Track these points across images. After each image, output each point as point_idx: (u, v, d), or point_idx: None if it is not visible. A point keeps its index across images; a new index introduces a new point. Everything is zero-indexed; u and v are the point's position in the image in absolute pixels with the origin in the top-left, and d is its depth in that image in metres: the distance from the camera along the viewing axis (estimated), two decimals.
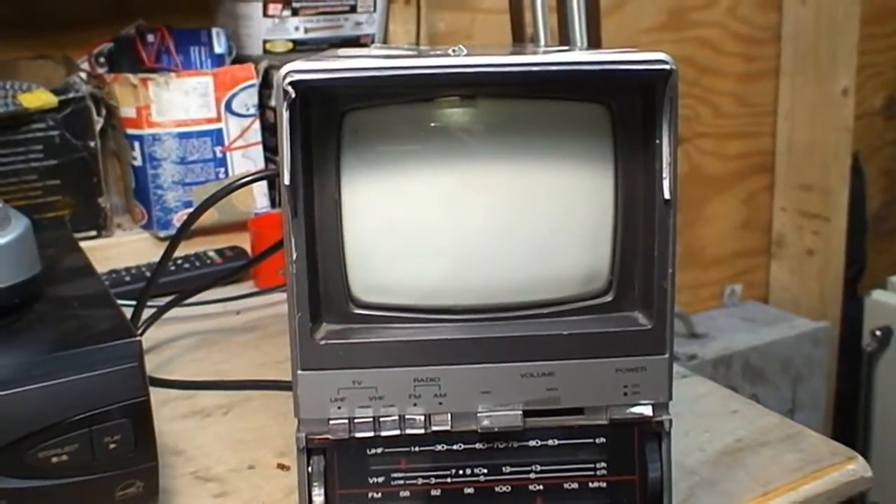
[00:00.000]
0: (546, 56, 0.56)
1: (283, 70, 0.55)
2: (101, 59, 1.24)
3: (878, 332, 1.96)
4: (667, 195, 0.58)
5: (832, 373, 2.11)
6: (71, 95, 1.16)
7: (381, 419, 0.61)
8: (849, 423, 2.08)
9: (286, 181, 0.55)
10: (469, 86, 0.58)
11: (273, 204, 1.28)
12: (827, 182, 2.04)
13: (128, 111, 1.20)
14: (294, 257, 0.58)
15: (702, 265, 2.09)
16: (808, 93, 2.02)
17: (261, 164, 1.27)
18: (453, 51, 0.62)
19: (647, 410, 0.62)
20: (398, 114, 0.59)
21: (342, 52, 0.80)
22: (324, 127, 0.58)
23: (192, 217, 0.87)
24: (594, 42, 1.39)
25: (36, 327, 0.68)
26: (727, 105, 2.02)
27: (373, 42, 1.35)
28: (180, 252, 1.16)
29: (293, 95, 0.54)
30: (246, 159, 1.26)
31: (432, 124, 0.60)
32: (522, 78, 0.56)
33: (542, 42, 1.39)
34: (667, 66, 0.56)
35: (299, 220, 0.57)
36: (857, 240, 2.14)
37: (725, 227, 2.11)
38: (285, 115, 0.55)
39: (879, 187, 2.26)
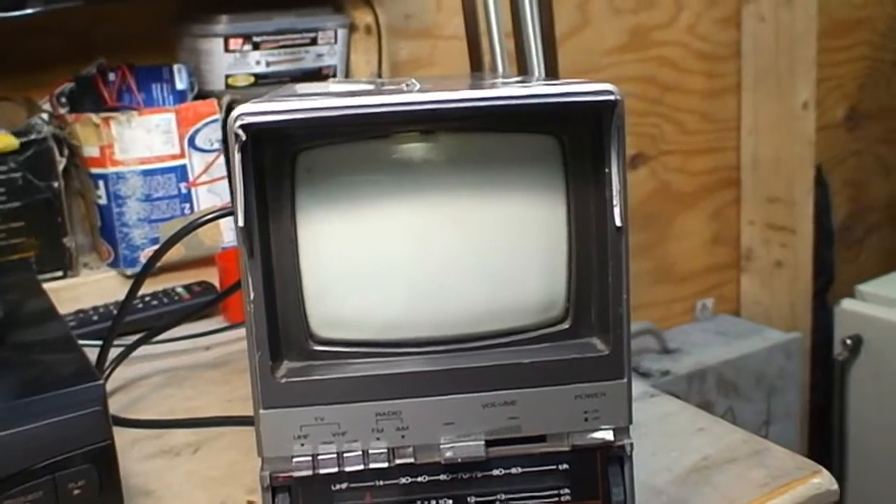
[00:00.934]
0: (494, 91, 0.57)
1: (234, 113, 0.55)
2: (63, 100, 1.24)
3: (848, 341, 1.98)
4: (618, 222, 0.59)
5: (805, 383, 2.12)
6: (33, 137, 1.16)
7: (345, 454, 0.61)
8: (824, 433, 2.09)
9: (241, 223, 0.56)
10: (420, 122, 0.59)
11: None
12: (792, 194, 2.06)
13: (91, 150, 1.20)
14: (252, 297, 0.58)
15: (673, 281, 2.11)
16: (771, 107, 2.05)
17: (227, 199, 1.28)
18: (406, 85, 0.63)
19: (608, 435, 0.63)
20: (350, 151, 0.60)
21: (300, 87, 0.80)
22: (277, 167, 0.58)
23: (157, 255, 0.87)
24: (551, 66, 1.40)
25: None
26: (691, 122, 2.04)
27: (335, 74, 1.36)
28: (148, 289, 1.17)
29: (244, 138, 0.55)
30: (212, 194, 1.26)
31: (385, 160, 0.60)
32: (470, 113, 0.57)
33: (500, 68, 1.40)
34: (612, 97, 0.57)
35: (256, 261, 0.58)
36: (824, 250, 2.17)
37: (695, 242, 2.13)
38: (237, 157, 0.55)
39: (844, 198, 2.29)
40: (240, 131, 0.55)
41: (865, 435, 2.00)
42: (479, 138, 0.62)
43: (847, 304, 2.02)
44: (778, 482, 0.76)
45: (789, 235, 2.08)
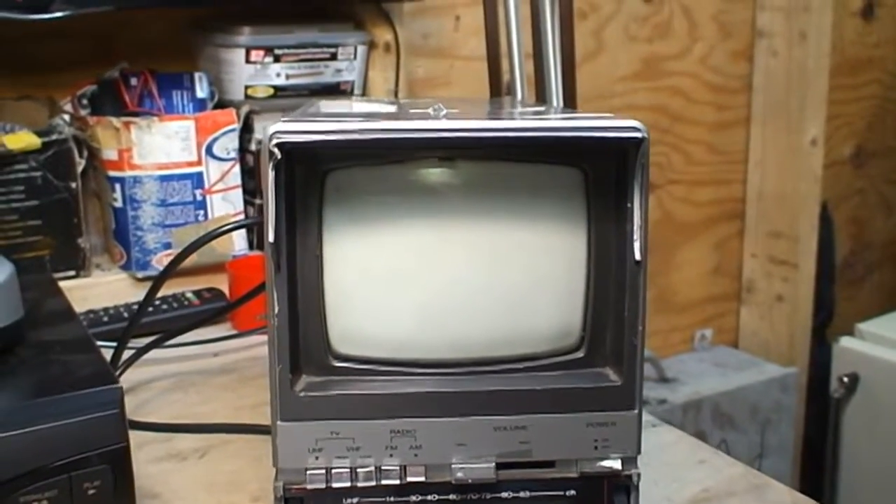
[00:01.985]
0: (522, 121, 0.59)
1: (270, 131, 0.57)
2: (84, 101, 1.25)
3: (845, 379, 1.98)
4: (637, 256, 0.60)
5: (800, 418, 2.13)
6: (54, 137, 1.18)
7: (358, 470, 0.62)
8: (817, 469, 2.10)
9: (270, 238, 0.57)
10: (449, 148, 0.60)
11: (251, 246, 1.30)
12: (796, 230, 2.08)
13: (110, 153, 1.21)
14: (276, 311, 0.59)
15: (673, 310, 2.12)
16: (779, 142, 2.06)
17: (240, 208, 1.29)
18: (433, 110, 0.64)
19: (616, 464, 0.64)
20: (380, 173, 0.61)
21: (324, 105, 0.82)
22: (307, 185, 0.60)
23: (175, 262, 0.88)
24: (570, 91, 1.41)
25: (19, 372, 0.69)
26: (699, 153, 2.06)
27: (352, 89, 1.38)
28: (158, 293, 1.17)
29: (279, 156, 0.56)
30: (225, 202, 1.27)
31: (412, 184, 0.62)
32: (500, 142, 0.58)
33: (519, 90, 1.42)
34: (639, 135, 0.58)
35: (282, 275, 0.59)
36: (825, 287, 2.18)
37: (696, 272, 2.14)
38: (271, 174, 0.56)
39: (847, 235, 2.30)
40: (275, 149, 0.56)
41: (858, 473, 2.01)
42: (502, 167, 0.63)
43: (846, 341, 2.02)
44: None
45: (791, 270, 2.09)
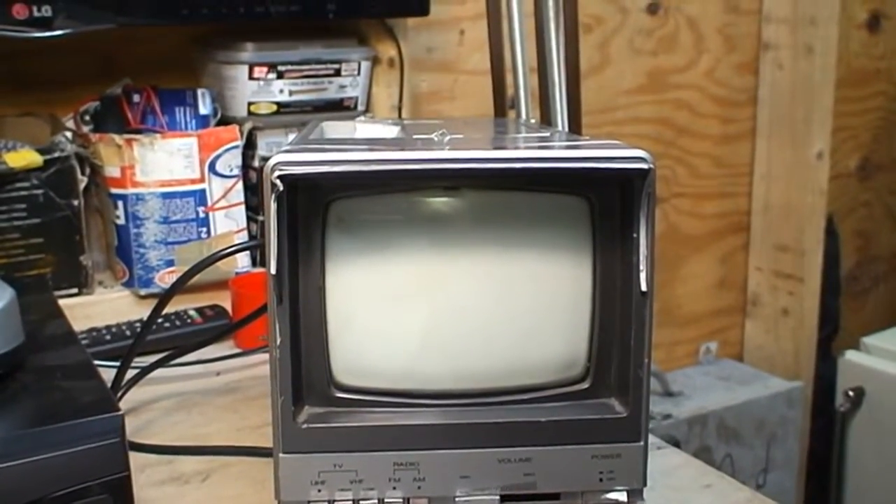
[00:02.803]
0: (527, 152, 0.58)
1: (271, 162, 0.56)
2: (87, 118, 1.25)
3: (851, 393, 1.98)
4: (643, 287, 0.60)
5: (805, 433, 2.12)
6: (56, 155, 1.17)
7: (361, 502, 0.61)
8: (822, 483, 2.09)
9: (273, 270, 0.57)
10: (452, 178, 0.60)
11: (254, 263, 1.29)
12: (801, 243, 2.07)
13: (112, 171, 1.21)
14: (278, 342, 0.59)
15: (678, 323, 2.11)
16: (784, 155, 2.06)
17: (243, 225, 1.29)
18: (437, 137, 0.63)
19: (621, 496, 0.63)
20: (383, 202, 0.61)
21: (328, 126, 0.81)
22: (310, 215, 0.59)
23: (177, 284, 0.88)
24: (574, 104, 1.41)
25: (19, 398, 0.68)
26: (704, 166, 2.05)
27: (356, 105, 1.37)
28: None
29: (281, 188, 0.56)
30: (228, 219, 1.27)
31: (416, 213, 0.61)
32: (504, 173, 0.58)
33: (523, 104, 1.41)
34: (645, 165, 0.57)
35: (284, 307, 0.58)
36: (831, 300, 2.17)
37: (701, 285, 2.13)
38: (273, 206, 0.56)
39: (853, 248, 2.29)
40: (277, 181, 0.55)
41: (863, 487, 2.00)
42: (507, 196, 0.63)
43: (851, 355, 2.02)
44: None
45: (797, 284, 2.08)
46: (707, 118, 2.03)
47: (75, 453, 0.62)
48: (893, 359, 1.96)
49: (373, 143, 0.61)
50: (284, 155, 0.57)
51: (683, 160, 2.01)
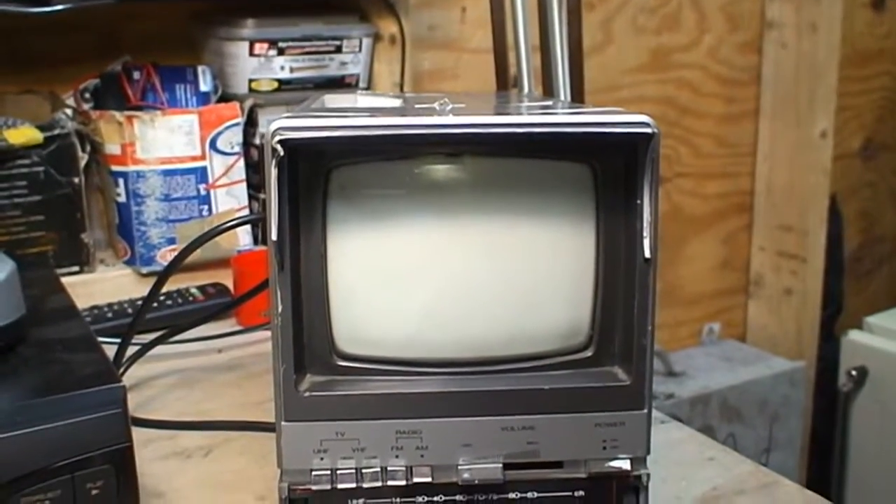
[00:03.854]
0: (530, 117, 0.58)
1: (272, 127, 0.56)
2: (87, 95, 1.24)
3: (853, 373, 1.97)
4: (647, 254, 0.59)
5: (808, 412, 2.12)
6: (56, 132, 1.17)
7: (364, 470, 0.61)
8: (824, 463, 2.09)
9: (274, 236, 0.56)
10: (455, 144, 0.59)
11: (256, 241, 1.29)
12: (805, 223, 2.06)
13: (113, 148, 1.20)
14: (280, 310, 0.58)
15: (681, 303, 2.11)
16: (788, 134, 2.05)
17: (244, 202, 1.28)
18: (439, 105, 0.63)
19: (625, 464, 0.63)
20: (384, 169, 0.60)
21: (328, 99, 0.81)
22: (311, 182, 0.59)
23: (178, 259, 0.87)
24: (577, 83, 1.40)
25: (20, 371, 0.68)
26: (707, 145, 2.05)
27: (357, 83, 1.37)
28: (162, 289, 1.17)
29: (282, 153, 0.55)
30: (230, 197, 1.27)
31: (418, 180, 0.61)
32: (507, 139, 0.57)
33: (526, 83, 1.41)
34: (649, 130, 0.57)
35: (285, 274, 0.58)
36: (834, 280, 2.16)
37: (704, 266, 2.13)
38: (273, 172, 0.55)
39: (857, 228, 2.29)
40: (278, 146, 0.55)
41: (866, 467, 2.00)
42: (509, 163, 0.62)
43: (854, 335, 2.01)
44: None
45: (800, 264, 2.08)
46: (710, 97, 2.02)
47: (77, 423, 0.62)
48: None
49: (374, 112, 0.61)
50: (285, 120, 0.56)
51: (686, 140, 2.01)
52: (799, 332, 2.11)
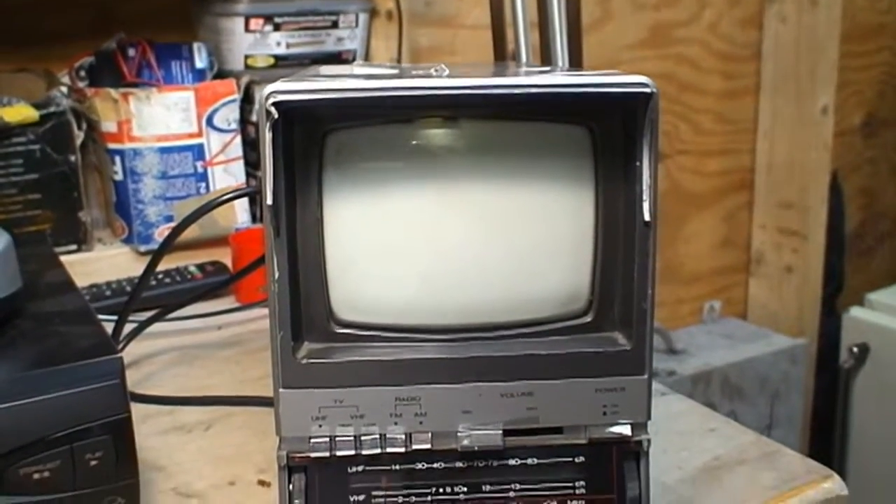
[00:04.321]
0: (528, 78, 0.57)
1: (266, 90, 0.55)
2: (82, 73, 1.23)
3: (855, 350, 1.97)
4: (647, 217, 0.59)
5: (809, 389, 2.12)
6: (52, 110, 1.16)
7: (362, 437, 0.61)
8: (825, 440, 2.09)
9: (269, 201, 0.56)
10: (452, 107, 0.58)
11: (254, 219, 1.29)
12: (806, 200, 2.06)
13: (109, 126, 1.20)
14: (276, 276, 0.58)
15: (681, 281, 2.11)
16: (788, 111, 2.04)
17: (242, 180, 1.28)
18: (435, 70, 0.62)
19: (625, 430, 0.62)
20: (380, 134, 0.60)
21: (324, 69, 0.80)
22: (307, 147, 0.58)
23: (175, 233, 0.87)
24: (576, 59, 1.40)
25: (17, 343, 0.68)
26: (707, 122, 2.04)
27: (354, 58, 1.36)
28: (160, 267, 1.15)
29: (276, 116, 0.55)
30: (227, 174, 1.26)
31: (414, 144, 0.60)
32: (504, 100, 0.57)
33: (524, 59, 1.40)
34: (648, 90, 0.56)
35: (281, 240, 0.57)
36: (835, 257, 2.16)
37: (705, 243, 2.12)
38: (268, 135, 0.55)
39: (858, 205, 2.28)
40: (272, 109, 0.54)
41: (867, 444, 2.00)
42: (506, 126, 0.61)
43: (855, 312, 2.01)
44: (788, 486, 0.76)
45: (801, 241, 2.08)
46: (710, 74, 2.01)
47: (75, 394, 0.61)
48: None
49: (371, 77, 0.60)
50: (280, 84, 0.56)
51: (686, 116, 2.00)
52: (800, 309, 2.11)
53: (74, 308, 0.75)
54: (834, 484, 0.76)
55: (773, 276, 2.15)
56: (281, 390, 0.60)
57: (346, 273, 0.61)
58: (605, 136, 0.60)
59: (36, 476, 0.60)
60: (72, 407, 0.61)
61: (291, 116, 0.56)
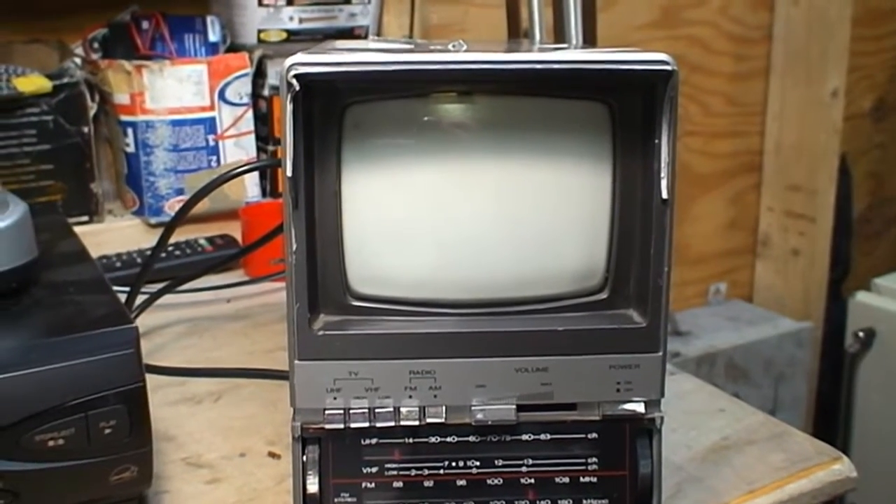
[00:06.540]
0: (549, 54, 0.57)
1: (287, 62, 0.55)
2: (96, 45, 1.23)
3: (860, 334, 1.97)
4: (664, 195, 0.59)
5: (814, 373, 2.12)
6: (65, 81, 1.16)
7: (377, 410, 0.61)
8: (830, 424, 2.10)
9: (289, 173, 0.56)
10: (471, 82, 0.59)
11: (264, 193, 1.29)
12: (814, 183, 2.05)
13: (121, 98, 1.20)
14: (294, 248, 0.58)
15: (687, 263, 2.10)
16: (798, 93, 2.03)
17: (253, 154, 1.28)
18: (453, 46, 0.62)
19: (639, 407, 0.63)
20: (399, 108, 0.60)
21: (339, 44, 0.80)
22: (326, 120, 0.58)
23: (189, 204, 0.87)
24: (589, 39, 1.39)
25: (33, 312, 0.68)
26: (717, 104, 2.03)
27: (367, 34, 1.35)
28: (171, 239, 1.17)
29: (297, 88, 0.55)
30: (238, 148, 1.26)
31: (433, 120, 0.60)
32: (526, 75, 0.57)
33: (537, 37, 1.39)
34: (668, 67, 0.56)
35: (300, 212, 0.57)
36: (842, 241, 2.16)
37: (712, 225, 2.12)
38: (289, 107, 0.55)
39: (866, 189, 2.28)
40: (293, 81, 0.55)
41: (871, 428, 2.01)
42: (524, 102, 0.61)
43: (862, 296, 2.01)
44: (797, 466, 0.76)
45: (808, 224, 2.07)
46: (720, 55, 2.00)
47: (91, 363, 0.61)
48: None
49: (390, 51, 0.60)
50: (301, 56, 0.56)
51: (696, 98, 1.99)
52: (806, 292, 2.11)
53: (89, 277, 0.75)
54: (843, 466, 0.77)
55: (780, 259, 2.15)
56: (296, 362, 0.60)
57: (362, 246, 0.61)
58: (623, 113, 0.60)
59: (51, 443, 0.60)
60: (87, 375, 0.61)
61: (312, 89, 0.56)
